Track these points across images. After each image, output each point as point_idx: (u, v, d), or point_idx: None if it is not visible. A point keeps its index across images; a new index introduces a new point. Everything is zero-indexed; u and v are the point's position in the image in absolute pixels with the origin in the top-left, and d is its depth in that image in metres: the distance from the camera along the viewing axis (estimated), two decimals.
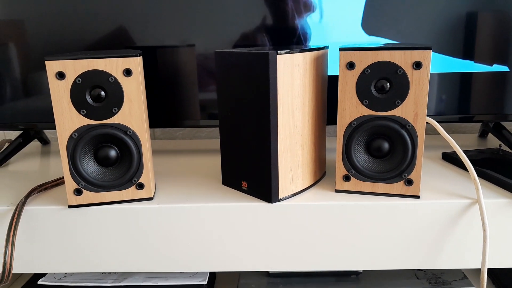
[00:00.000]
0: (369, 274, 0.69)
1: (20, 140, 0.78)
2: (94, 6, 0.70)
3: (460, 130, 0.97)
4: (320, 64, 0.58)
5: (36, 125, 0.75)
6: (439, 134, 0.94)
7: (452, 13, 0.69)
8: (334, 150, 0.79)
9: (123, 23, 0.70)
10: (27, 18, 0.70)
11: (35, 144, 0.90)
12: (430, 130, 0.96)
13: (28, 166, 0.75)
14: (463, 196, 0.56)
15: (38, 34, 0.71)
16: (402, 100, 0.53)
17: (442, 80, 0.72)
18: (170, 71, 0.73)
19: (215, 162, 0.74)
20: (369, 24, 0.69)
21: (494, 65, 0.70)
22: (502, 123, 0.77)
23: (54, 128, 0.73)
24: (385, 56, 0.53)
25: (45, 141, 0.89)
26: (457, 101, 0.72)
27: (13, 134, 0.97)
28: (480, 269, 0.62)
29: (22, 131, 0.79)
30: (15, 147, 0.77)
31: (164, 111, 0.74)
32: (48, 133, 0.95)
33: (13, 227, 0.53)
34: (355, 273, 0.69)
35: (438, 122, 0.71)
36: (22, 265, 0.59)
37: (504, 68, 0.71)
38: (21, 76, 0.73)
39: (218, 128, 0.98)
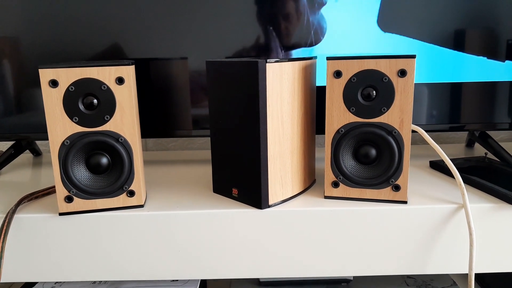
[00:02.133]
0: (359, 282, 0.69)
1: (11, 151, 0.78)
2: (89, 22, 0.71)
3: (448, 140, 0.99)
4: (308, 73, 0.59)
5: (27, 136, 0.76)
6: (427, 144, 0.95)
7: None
8: (323, 160, 0.80)
9: (118, 36, 0.72)
10: (21, 33, 0.71)
11: (27, 155, 0.90)
12: (419, 141, 0.97)
13: (20, 176, 0.75)
14: (449, 201, 0.57)
15: (32, 48, 0.72)
16: (388, 107, 0.55)
17: (431, 91, 0.73)
18: (163, 82, 0.74)
19: (206, 171, 0.75)
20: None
21: (506, 61, 0.72)
22: (488, 132, 0.79)
23: (45, 139, 0.74)
24: (371, 64, 0.54)
25: (37, 153, 0.89)
26: (445, 110, 0.74)
27: (5, 146, 0.97)
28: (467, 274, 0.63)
29: (13, 142, 0.79)
30: (6, 158, 0.77)
31: (157, 121, 0.75)
32: (40, 145, 0.95)
33: (2, 234, 0.53)
34: (346, 280, 0.69)
35: (427, 131, 0.72)
36: (12, 274, 0.58)
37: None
38: (12, 88, 0.73)
39: (209, 138, 0.99)
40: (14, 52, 0.72)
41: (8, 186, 0.69)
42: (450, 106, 0.74)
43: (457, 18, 0.71)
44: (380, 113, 0.55)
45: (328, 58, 0.55)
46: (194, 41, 0.72)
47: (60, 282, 0.66)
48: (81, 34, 0.72)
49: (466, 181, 0.63)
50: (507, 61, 0.72)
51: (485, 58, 0.72)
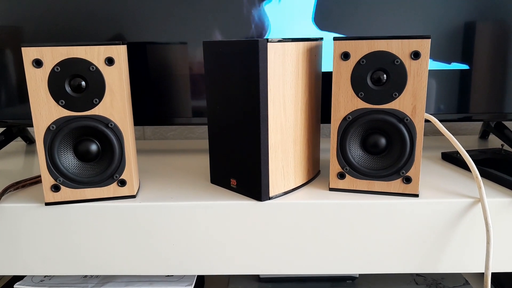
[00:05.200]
0: (366, 279, 0.65)
1: (2, 137, 0.75)
2: (87, 8, 0.67)
3: (460, 132, 0.95)
4: (313, 56, 0.55)
5: (18, 123, 0.72)
6: (438, 135, 0.91)
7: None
8: (329, 151, 0.76)
9: (117, 19, 0.68)
10: (11, 19, 0.68)
11: (20, 143, 0.87)
12: (428, 132, 0.93)
13: (10, 164, 0.71)
14: (464, 195, 0.53)
15: (23, 33, 0.68)
16: (400, 92, 0.51)
17: (440, 78, 0.69)
18: (161, 68, 0.70)
19: (204, 161, 0.71)
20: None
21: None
22: (504, 122, 0.75)
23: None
24: (382, 45, 0.50)
25: (30, 140, 0.85)
26: (455, 99, 0.70)
27: None
28: (483, 273, 0.59)
29: (4, 129, 0.76)
30: None
31: (155, 108, 0.71)
32: (33, 132, 0.92)
33: None
34: (351, 278, 0.65)
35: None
36: None
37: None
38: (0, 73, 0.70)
39: None
40: (4, 38, 0.68)
41: None
42: (459, 95, 0.69)
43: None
44: (391, 98, 0.51)
45: (335, 39, 0.51)
46: (194, 25, 0.68)
47: (49, 276, 0.63)
48: (78, 20, 0.68)
49: (482, 174, 0.59)
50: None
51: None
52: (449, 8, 0.66)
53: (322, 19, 0.65)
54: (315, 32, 0.67)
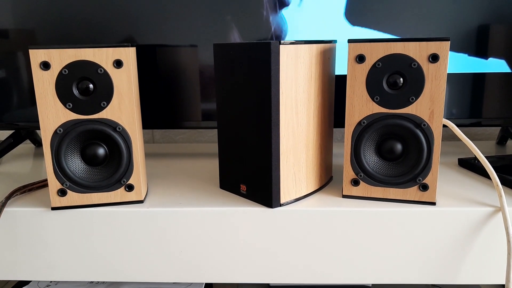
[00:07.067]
0: None
1: (10, 140, 0.74)
2: (101, 15, 0.66)
3: (476, 137, 0.92)
4: (327, 58, 0.53)
5: (27, 126, 0.71)
6: (454, 140, 0.88)
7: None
8: (342, 156, 0.74)
9: (127, 22, 0.67)
10: (18, 22, 0.67)
11: (29, 146, 0.87)
12: (444, 137, 0.90)
13: (18, 167, 0.71)
14: (484, 203, 0.51)
15: (33, 35, 0.68)
16: (417, 97, 0.49)
17: (455, 81, 0.67)
18: (171, 71, 0.69)
19: (214, 166, 0.70)
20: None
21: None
22: None
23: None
24: (398, 48, 0.48)
25: (38, 143, 0.85)
26: (472, 104, 0.67)
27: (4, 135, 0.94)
28: (503, 285, 0.56)
29: (13, 131, 0.75)
30: (5, 147, 0.73)
31: (164, 112, 0.70)
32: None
33: None
34: (364, 287, 0.63)
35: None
36: (3, 271, 0.54)
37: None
38: (10, 76, 0.69)
39: None
40: (15, 40, 0.68)
41: (5, 177, 0.65)
42: (475, 99, 0.67)
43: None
44: (407, 103, 0.49)
45: (350, 41, 0.49)
46: (204, 27, 0.67)
47: (55, 281, 0.62)
48: (89, 23, 0.67)
49: (502, 181, 0.57)
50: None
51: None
52: (464, 10, 0.64)
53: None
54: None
